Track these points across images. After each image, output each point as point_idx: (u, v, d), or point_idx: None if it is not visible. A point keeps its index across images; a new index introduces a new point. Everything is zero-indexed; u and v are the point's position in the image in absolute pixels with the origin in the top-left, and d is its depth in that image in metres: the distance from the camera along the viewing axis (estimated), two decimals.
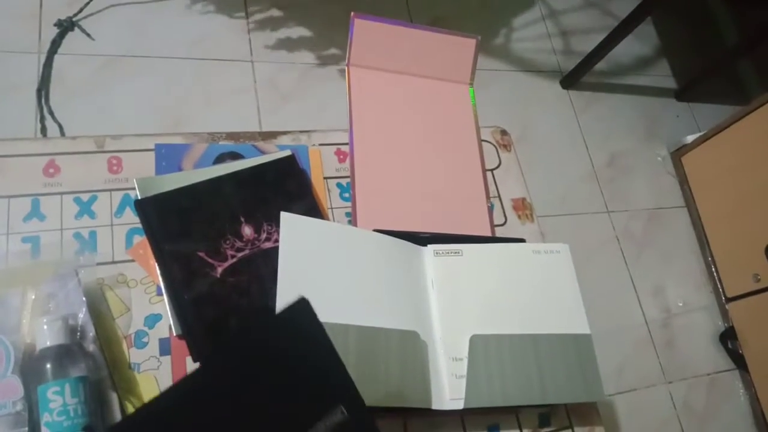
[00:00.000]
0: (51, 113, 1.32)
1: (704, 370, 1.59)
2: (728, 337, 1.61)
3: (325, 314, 0.54)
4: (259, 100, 1.51)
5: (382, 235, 0.66)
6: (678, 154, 1.83)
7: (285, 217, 0.61)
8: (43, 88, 1.36)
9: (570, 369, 0.63)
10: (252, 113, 1.48)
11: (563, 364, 0.63)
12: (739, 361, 1.58)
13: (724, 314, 1.65)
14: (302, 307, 0.41)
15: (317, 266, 0.60)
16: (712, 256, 1.70)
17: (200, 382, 0.39)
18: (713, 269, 1.69)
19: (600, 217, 1.70)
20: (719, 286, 1.67)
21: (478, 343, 0.63)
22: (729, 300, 1.63)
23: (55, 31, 1.43)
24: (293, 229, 0.60)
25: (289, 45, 1.60)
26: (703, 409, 1.55)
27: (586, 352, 0.64)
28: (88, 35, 1.45)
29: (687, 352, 1.61)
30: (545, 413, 0.69)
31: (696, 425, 1.52)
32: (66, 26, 1.43)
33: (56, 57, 1.40)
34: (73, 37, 1.44)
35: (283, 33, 1.61)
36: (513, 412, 0.68)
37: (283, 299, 0.57)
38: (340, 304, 0.59)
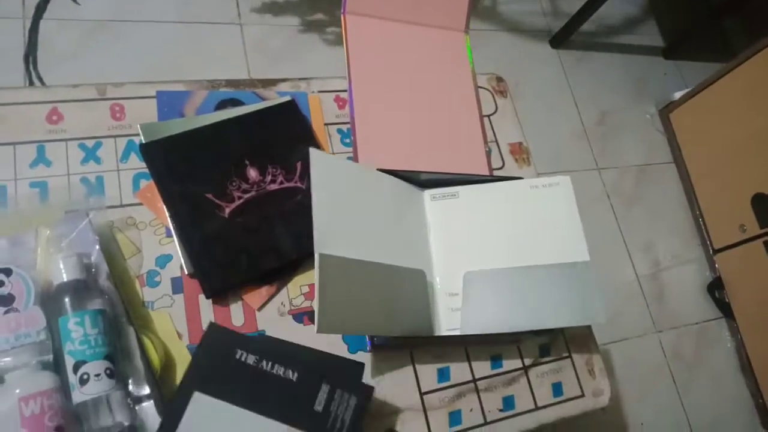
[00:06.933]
0: (40, 78, 1.30)
1: (693, 320, 1.64)
2: (715, 287, 1.66)
3: (349, 250, 0.57)
4: (249, 63, 1.50)
5: (393, 177, 0.67)
6: (666, 111, 1.86)
7: (314, 153, 0.60)
8: (30, 54, 1.33)
9: (569, 295, 0.64)
10: (242, 76, 1.47)
11: (561, 291, 0.64)
12: (725, 309, 1.63)
13: (712, 266, 1.70)
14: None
15: (343, 203, 0.61)
16: (699, 210, 1.73)
17: None
18: (701, 222, 1.73)
19: (590, 174, 1.73)
20: (707, 238, 1.71)
21: (470, 278, 0.65)
22: (716, 251, 1.67)
23: None
24: (322, 164, 0.60)
25: (277, 8, 1.58)
26: (692, 356, 1.60)
27: (587, 278, 0.65)
28: (74, 0, 1.43)
29: (676, 303, 1.65)
30: (545, 344, 0.72)
31: (685, 371, 1.57)
32: None
33: (42, 22, 1.38)
34: (58, 2, 1.41)
35: None
36: (514, 342, 0.70)
37: (319, 230, 0.56)
38: (362, 240, 0.61)
